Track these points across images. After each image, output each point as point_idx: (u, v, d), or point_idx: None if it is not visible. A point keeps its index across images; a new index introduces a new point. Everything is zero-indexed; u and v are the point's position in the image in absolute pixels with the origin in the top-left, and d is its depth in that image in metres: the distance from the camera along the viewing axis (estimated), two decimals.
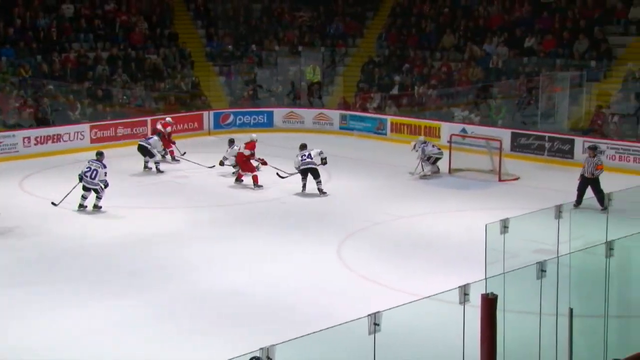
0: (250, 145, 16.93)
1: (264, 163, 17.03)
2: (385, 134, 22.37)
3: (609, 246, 7.61)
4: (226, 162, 17.72)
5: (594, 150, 15.05)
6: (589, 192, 14.33)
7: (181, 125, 22.43)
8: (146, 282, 11.18)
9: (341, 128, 23.35)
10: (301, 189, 16.05)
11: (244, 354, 5.65)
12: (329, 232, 13.60)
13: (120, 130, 21.63)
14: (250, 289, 10.95)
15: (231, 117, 23.75)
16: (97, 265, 11.96)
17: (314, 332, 6.03)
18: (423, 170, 17.50)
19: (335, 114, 23.79)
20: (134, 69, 24.07)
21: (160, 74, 24.43)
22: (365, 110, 23.69)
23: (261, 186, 16.57)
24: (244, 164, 16.91)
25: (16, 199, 15.40)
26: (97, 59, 23.63)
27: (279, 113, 23.95)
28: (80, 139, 20.81)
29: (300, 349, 6.06)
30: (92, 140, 20.97)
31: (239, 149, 17.09)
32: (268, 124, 23.46)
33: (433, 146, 17.67)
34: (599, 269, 7.72)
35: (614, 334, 7.79)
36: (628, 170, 16.68)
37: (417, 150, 17.56)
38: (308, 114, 23.93)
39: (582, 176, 14.69)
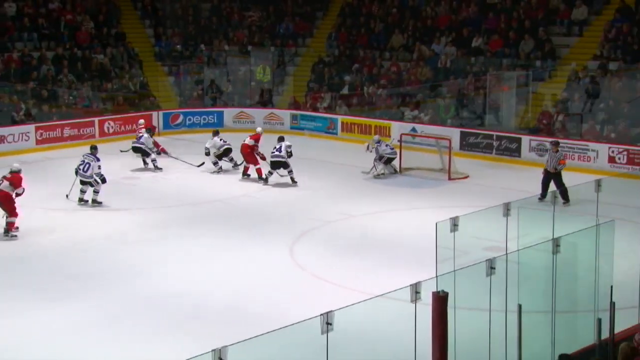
0: (256, 136, 17.45)
1: (263, 158, 17.23)
2: (336, 134, 22.44)
3: (556, 243, 7.76)
4: (212, 151, 18.03)
5: (556, 145, 15.43)
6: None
7: (130, 126, 22.12)
8: (92, 286, 11.00)
9: (292, 128, 23.33)
10: (262, 181, 16.69)
11: (196, 356, 5.60)
12: (280, 231, 13.58)
13: (67, 131, 21.23)
14: (201, 290, 10.87)
15: (181, 118, 23.52)
16: (42, 268, 11.71)
17: (266, 333, 6.01)
18: (376, 169, 17.58)
19: (286, 114, 23.76)
20: (80, 68, 23.65)
21: (108, 74, 24.06)
22: (315, 110, 23.71)
23: (266, 179, 16.80)
24: (249, 155, 17.20)
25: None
26: (42, 58, 23.13)
27: (229, 113, 23.81)
28: (25, 140, 20.37)
29: (253, 349, 6.03)
30: (38, 142, 20.54)
31: (244, 141, 17.35)
32: (218, 124, 23.26)
33: (387, 145, 17.74)
34: (546, 265, 7.87)
35: (562, 330, 7.95)
36: (574, 168, 17.03)
37: (371, 151, 17.60)
38: (258, 114, 23.85)
39: (546, 170, 15.09)
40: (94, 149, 15.42)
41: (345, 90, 23.94)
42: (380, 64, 24.27)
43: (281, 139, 17.04)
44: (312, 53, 26.12)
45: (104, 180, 15.04)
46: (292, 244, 12.90)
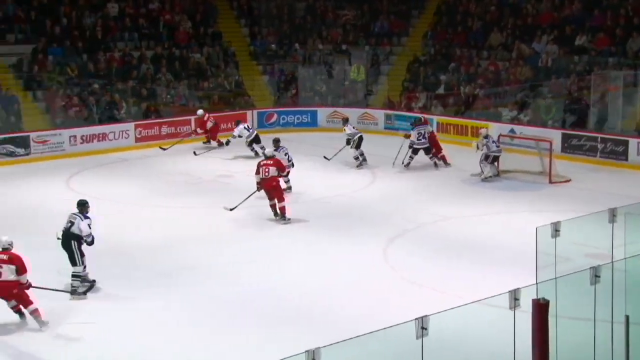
0: (278, 164, 14.48)
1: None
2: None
3: None
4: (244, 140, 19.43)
5: None
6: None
7: (225, 125, 22.57)
8: (179, 283, 11.23)
9: (386, 127, 23.23)
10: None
11: (290, 356, 5.64)
12: (374, 232, 13.54)
13: (165, 130, 21.86)
14: (292, 290, 10.95)
15: (275, 117, 23.82)
16: (130, 265, 12.04)
17: (360, 336, 5.99)
18: (483, 172, 17.19)
19: (380, 114, 23.68)
20: (178, 67, 24.31)
21: (204, 73, 24.63)
22: (410, 109, 23.52)
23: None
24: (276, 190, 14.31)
25: (63, 197, 15.61)
26: (142, 57, 23.91)
27: (323, 112, 23.94)
28: (125, 138, 21.10)
29: (346, 352, 6.03)
30: (137, 139, 21.25)
31: (267, 172, 14.22)
32: (312, 124, 23.44)
33: (493, 142, 17.34)
34: None
35: None
36: None
37: (481, 149, 17.22)
38: (352, 114, 23.82)
39: None
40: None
41: (441, 90, 23.66)
42: (477, 63, 23.86)
43: (424, 122, 18.47)
44: (407, 52, 25.95)
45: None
46: (385, 245, 12.84)
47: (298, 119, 23.85)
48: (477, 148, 17.30)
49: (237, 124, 20.21)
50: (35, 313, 9.45)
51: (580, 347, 7.39)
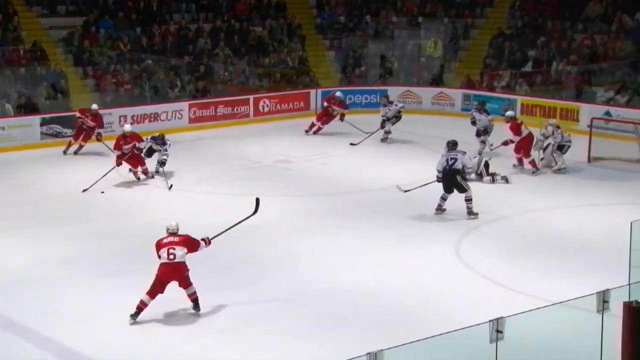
0: None
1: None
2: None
3: None
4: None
5: None
6: None
7: (286, 105, 22.70)
8: (238, 278, 11.35)
9: (464, 109, 22.97)
10: None
11: (350, 359, 5.66)
12: (446, 226, 13.47)
13: (221, 110, 22.13)
14: (356, 288, 10.95)
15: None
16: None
17: (427, 338, 5.99)
18: (557, 163, 16.81)
19: (457, 94, 23.43)
20: (237, 42, 24.54)
21: (266, 47, 24.80)
22: (492, 89, 23.21)
23: None
24: None
25: (115, 181, 15.97)
26: (199, 31, 24.23)
27: (394, 92, 23.81)
28: (179, 118, 21.45)
29: (411, 355, 6.03)
30: (191, 120, 21.57)
31: None
32: None
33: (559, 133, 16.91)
34: None
35: None
36: None
37: (554, 139, 16.74)
38: (426, 93, 23.68)
39: None
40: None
41: (528, 67, 23.30)
42: (571, 37, 23.41)
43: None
44: (490, 25, 25.58)
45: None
46: (459, 240, 12.75)
47: (366, 99, 23.80)
48: (550, 134, 16.77)
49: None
50: (193, 296, 10.08)
51: None
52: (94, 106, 18.80)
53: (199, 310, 10.08)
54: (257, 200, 11.28)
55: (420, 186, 14.59)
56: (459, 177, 13.69)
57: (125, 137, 16.02)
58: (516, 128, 16.72)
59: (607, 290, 6.44)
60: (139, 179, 16.18)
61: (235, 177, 16.77)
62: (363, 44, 25.74)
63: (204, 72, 23.25)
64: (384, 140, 19.54)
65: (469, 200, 13.74)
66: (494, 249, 12.44)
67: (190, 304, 10.12)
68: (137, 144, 16.10)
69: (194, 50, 23.68)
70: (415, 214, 14.13)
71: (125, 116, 20.54)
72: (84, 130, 18.47)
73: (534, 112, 21.50)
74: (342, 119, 20.33)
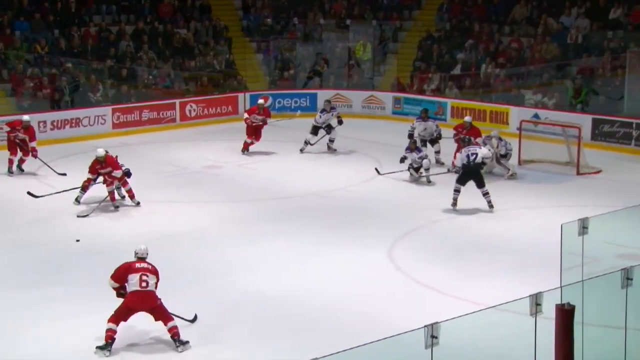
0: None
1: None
2: (446, 120, 22.17)
3: None
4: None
5: None
6: None
7: (213, 109, 22.56)
8: (170, 287, 11.24)
9: (394, 113, 23.24)
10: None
11: None
12: (378, 230, 13.56)
13: (146, 114, 21.88)
14: (289, 295, 10.96)
15: (270, 100, 23.80)
16: (111, 265, 12.04)
17: (362, 345, 6.02)
18: (509, 169, 17.00)
19: (387, 97, 23.70)
20: (161, 45, 24.30)
21: (191, 50, 24.62)
22: (422, 92, 23.53)
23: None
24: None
25: (32, 190, 15.59)
26: (121, 33, 23.91)
27: (323, 95, 23.93)
28: (102, 124, 21.11)
29: None
30: (115, 125, 21.25)
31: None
32: (311, 108, 23.44)
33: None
34: None
35: None
36: None
37: (498, 150, 16.86)
38: (356, 97, 23.87)
39: None
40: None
41: (457, 70, 23.67)
42: (498, 40, 23.86)
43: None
44: (419, 27, 25.93)
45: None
46: (392, 244, 12.86)
47: (295, 102, 23.85)
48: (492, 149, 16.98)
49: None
50: (173, 330, 9.41)
51: (609, 358, 7.42)
52: (25, 118, 17.29)
53: (183, 345, 9.33)
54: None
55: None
56: (481, 172, 14.47)
57: (100, 163, 14.49)
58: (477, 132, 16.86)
59: (540, 293, 6.55)
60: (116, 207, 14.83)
61: (164, 184, 16.58)
62: (291, 47, 25.79)
63: (126, 76, 22.94)
64: (330, 149, 19.04)
65: (487, 194, 14.41)
66: (427, 254, 12.59)
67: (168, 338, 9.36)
68: (114, 172, 14.56)
69: (116, 53, 23.35)
70: (349, 220, 14.21)
71: (44, 122, 20.12)
72: (17, 145, 17.12)
73: (465, 115, 21.76)
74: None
